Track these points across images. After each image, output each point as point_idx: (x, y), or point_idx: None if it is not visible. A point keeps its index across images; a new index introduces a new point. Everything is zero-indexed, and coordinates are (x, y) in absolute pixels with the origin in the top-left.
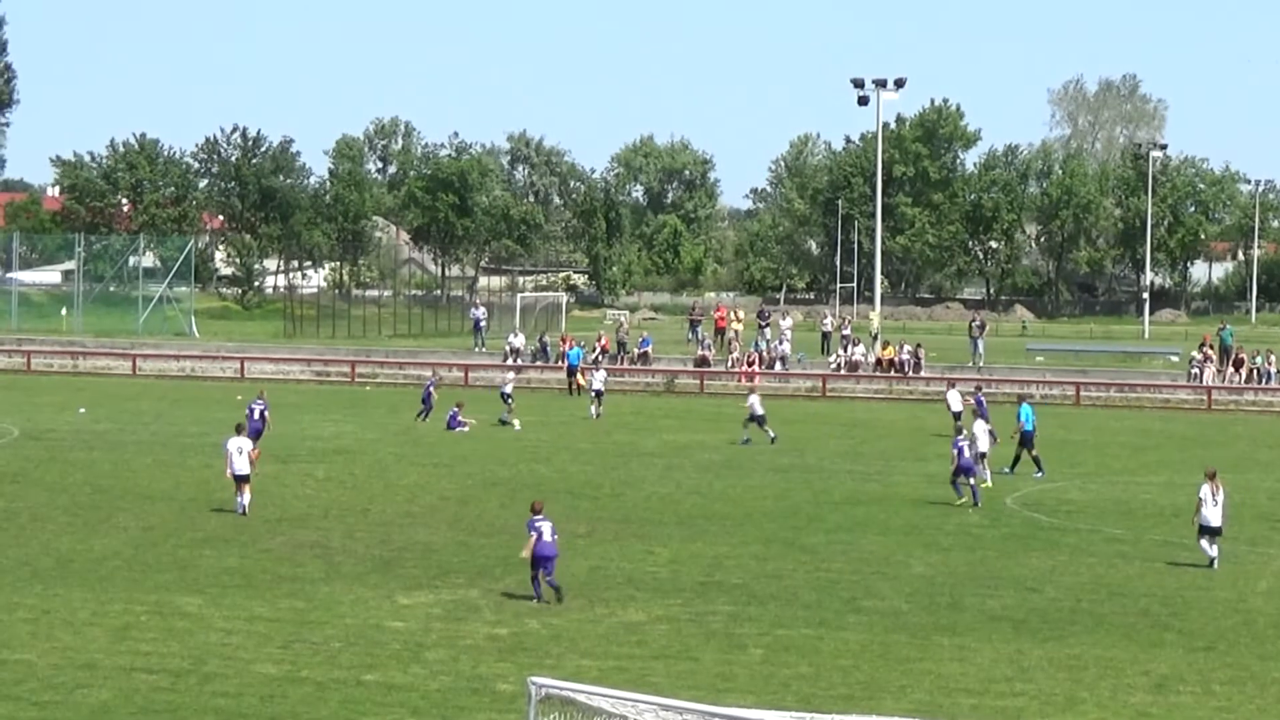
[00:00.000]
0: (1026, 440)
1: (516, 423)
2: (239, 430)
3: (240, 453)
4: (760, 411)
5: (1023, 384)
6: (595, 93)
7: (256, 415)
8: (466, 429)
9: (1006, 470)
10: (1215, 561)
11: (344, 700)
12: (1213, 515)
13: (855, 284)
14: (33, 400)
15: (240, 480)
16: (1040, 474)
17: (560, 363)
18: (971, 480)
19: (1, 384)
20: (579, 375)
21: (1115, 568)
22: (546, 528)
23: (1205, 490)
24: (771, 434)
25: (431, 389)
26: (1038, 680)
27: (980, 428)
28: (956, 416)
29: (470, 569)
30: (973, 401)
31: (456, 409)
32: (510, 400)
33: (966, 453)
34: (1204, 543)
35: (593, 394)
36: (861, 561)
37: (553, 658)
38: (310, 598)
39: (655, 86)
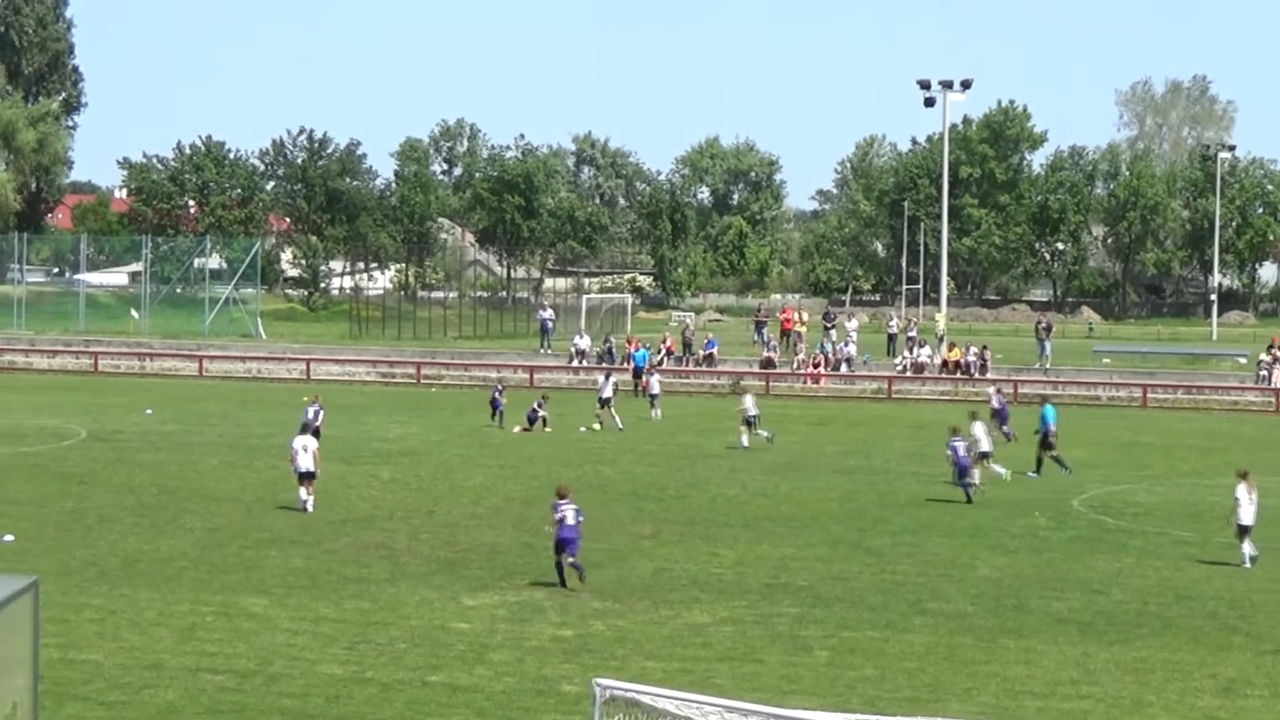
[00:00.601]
0: (1047, 441)
1: (619, 419)
2: (304, 429)
3: (305, 450)
4: (754, 413)
5: (1089, 385)
6: (661, 94)
7: (311, 415)
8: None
9: (1032, 473)
10: (1253, 560)
11: (409, 701)
12: (1248, 515)
13: (921, 286)
14: (100, 401)
15: (305, 478)
16: (1068, 471)
17: (626, 364)
18: (966, 479)
19: (69, 385)
20: (643, 377)
21: (1182, 570)
22: (570, 512)
23: (1241, 490)
24: (766, 433)
25: (498, 394)
26: (1104, 683)
27: (980, 429)
28: (995, 413)
29: (535, 570)
30: (993, 402)
31: (541, 402)
32: (610, 404)
33: (962, 452)
34: (1246, 545)
35: (649, 398)
36: (927, 564)
37: (617, 659)
38: (376, 599)
39: (721, 88)
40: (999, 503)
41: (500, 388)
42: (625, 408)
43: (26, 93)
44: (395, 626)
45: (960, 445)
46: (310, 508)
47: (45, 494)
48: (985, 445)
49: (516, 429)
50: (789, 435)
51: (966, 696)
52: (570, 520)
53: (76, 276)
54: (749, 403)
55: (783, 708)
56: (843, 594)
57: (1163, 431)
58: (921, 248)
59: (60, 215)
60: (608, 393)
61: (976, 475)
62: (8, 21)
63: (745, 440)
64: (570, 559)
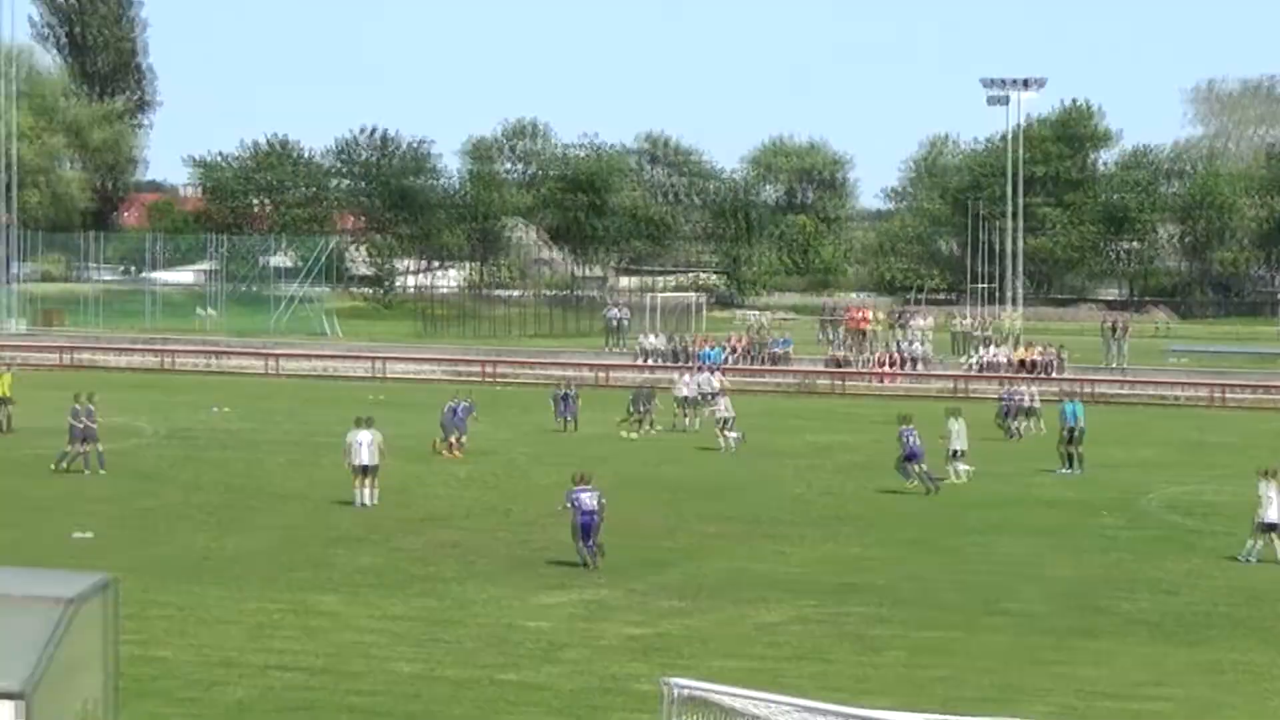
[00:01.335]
0: (1073, 437)
1: (697, 423)
2: (359, 423)
3: (365, 445)
4: (727, 415)
5: (1161, 385)
6: (730, 93)
7: (460, 412)
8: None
9: (1067, 470)
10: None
11: (480, 699)
12: (1273, 513)
13: (992, 285)
14: (171, 399)
15: (364, 472)
16: (1080, 470)
17: (696, 363)
18: (921, 466)
19: (140, 383)
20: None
21: (1255, 571)
22: (586, 497)
23: (1268, 488)
24: (736, 434)
25: (567, 394)
26: (1178, 684)
27: (959, 425)
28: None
29: (607, 569)
30: (1003, 400)
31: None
32: (688, 406)
33: (913, 441)
34: (1258, 542)
35: (677, 400)
36: (1000, 563)
37: (688, 658)
38: (447, 597)
39: (790, 87)
40: (1069, 503)
41: (566, 390)
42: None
43: (98, 92)
44: (467, 625)
45: (911, 434)
46: (370, 502)
47: (117, 492)
48: (959, 444)
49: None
50: (860, 434)
51: (1040, 697)
52: (587, 505)
53: (147, 275)
54: (723, 403)
55: (856, 707)
56: (915, 594)
57: (1234, 431)
58: (992, 247)
59: (131, 214)
60: (685, 392)
61: (962, 468)
62: (79, 21)
63: (723, 443)
64: (588, 542)
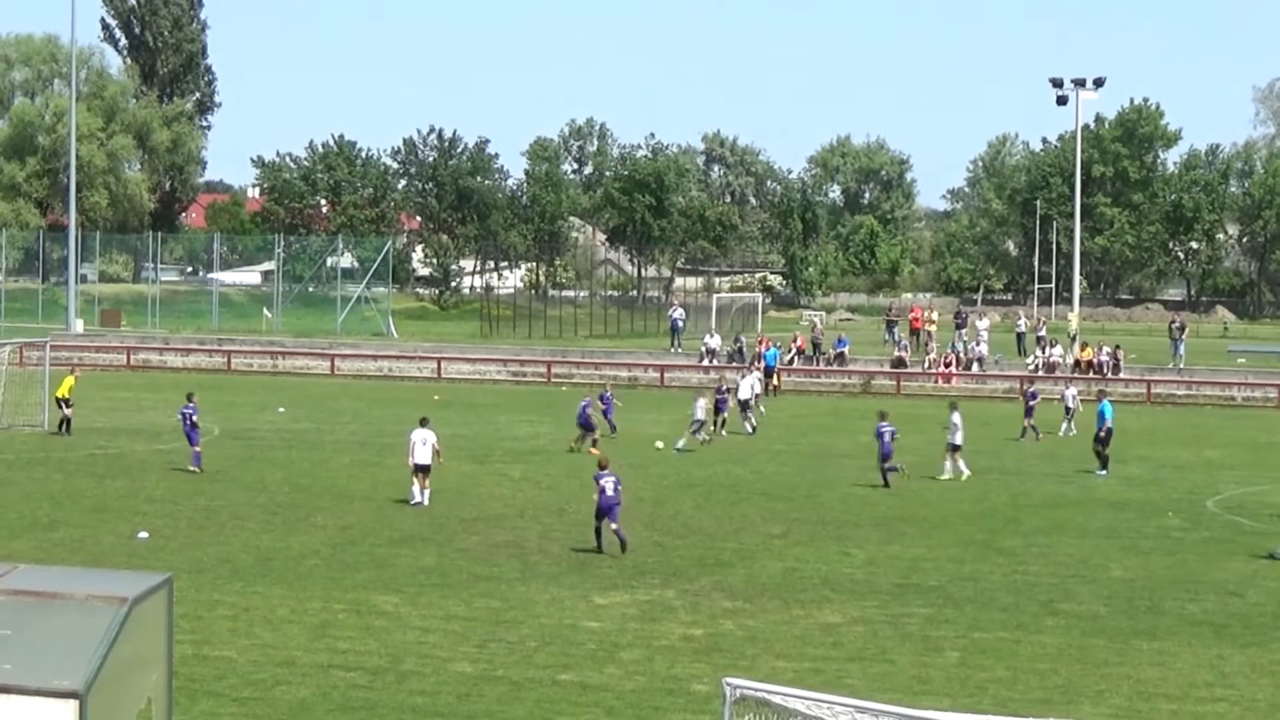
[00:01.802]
0: (1103, 437)
1: (753, 421)
2: (423, 423)
3: (424, 443)
4: (701, 417)
5: (1224, 386)
6: (791, 93)
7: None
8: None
9: (1101, 472)
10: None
11: (539, 699)
12: None
13: (1053, 285)
14: (233, 399)
15: (420, 470)
16: (1105, 472)
17: (756, 364)
18: (887, 464)
19: (203, 383)
20: (774, 376)
21: None
22: (609, 482)
23: None
24: (704, 437)
25: (609, 401)
26: (1239, 686)
27: (958, 419)
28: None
29: (665, 569)
30: (1026, 400)
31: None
32: (750, 408)
33: (888, 438)
34: None
35: (740, 402)
36: (1059, 564)
37: (748, 659)
38: (506, 597)
39: (852, 87)
40: (1132, 504)
41: (601, 393)
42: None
43: (161, 93)
44: (526, 625)
45: (887, 430)
46: (426, 502)
47: (179, 491)
48: (958, 438)
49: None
50: (919, 435)
51: (1099, 699)
52: (610, 490)
53: (210, 275)
54: (700, 405)
55: (914, 708)
56: (974, 594)
57: None
58: (1054, 247)
59: (194, 214)
60: (746, 394)
61: (964, 466)
62: (143, 23)
63: (703, 436)
64: (613, 526)
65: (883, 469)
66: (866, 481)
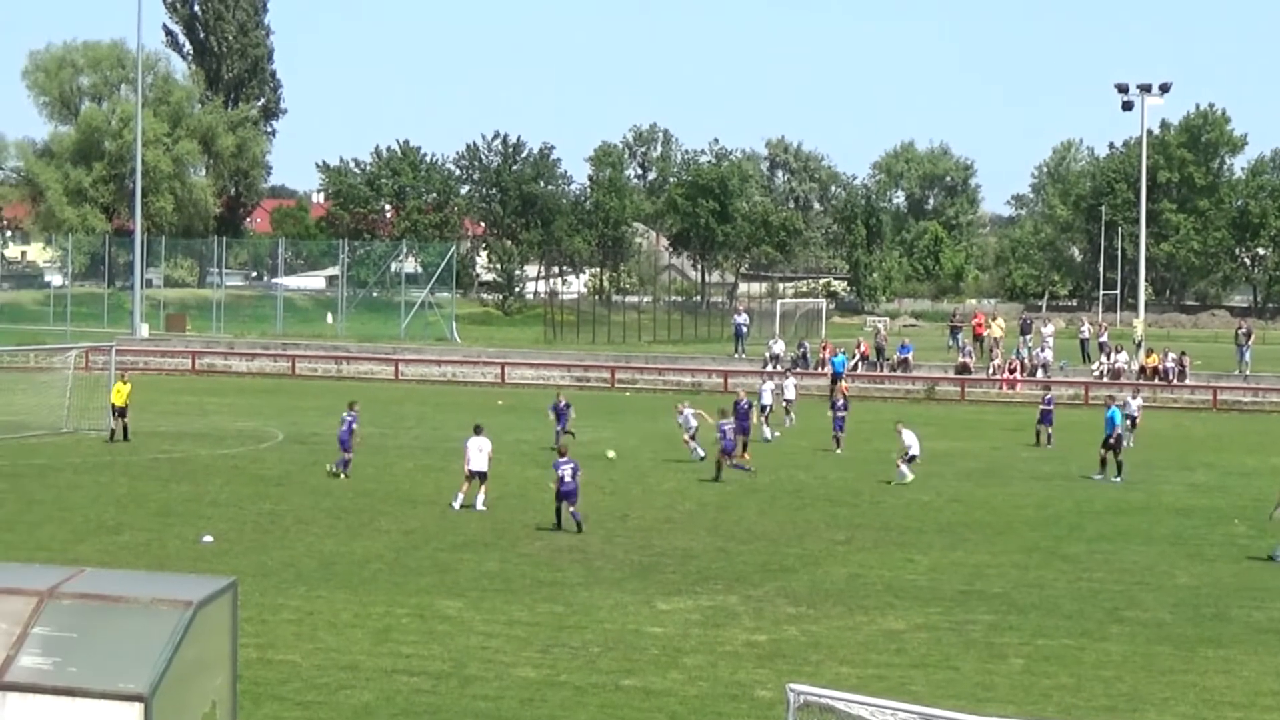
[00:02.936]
0: (1112, 443)
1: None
2: (478, 430)
3: (480, 451)
4: (695, 425)
5: None
6: (855, 98)
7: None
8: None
9: (1115, 477)
10: None
11: (603, 705)
12: None
13: (1119, 291)
14: (297, 404)
15: (476, 477)
16: (1119, 479)
17: (821, 369)
18: (731, 461)
19: (267, 388)
20: (842, 381)
21: None
22: (568, 470)
23: None
24: (700, 451)
25: (685, 414)
26: None
27: (909, 436)
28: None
29: (729, 575)
30: (1042, 405)
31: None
32: (767, 412)
33: (729, 435)
34: None
35: (784, 403)
36: (1124, 571)
37: (811, 664)
38: (569, 602)
39: (916, 92)
40: (1198, 510)
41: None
42: (819, 412)
43: (226, 98)
44: (589, 630)
45: (728, 427)
46: (484, 508)
47: (243, 495)
48: (914, 449)
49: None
50: (984, 440)
51: (1164, 706)
52: (568, 477)
53: (274, 280)
54: (688, 414)
55: (978, 715)
56: (1038, 601)
57: None
58: (1119, 253)
59: (259, 220)
60: (792, 394)
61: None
62: (209, 28)
63: (700, 451)
64: (570, 509)
65: (734, 465)
66: (929, 488)
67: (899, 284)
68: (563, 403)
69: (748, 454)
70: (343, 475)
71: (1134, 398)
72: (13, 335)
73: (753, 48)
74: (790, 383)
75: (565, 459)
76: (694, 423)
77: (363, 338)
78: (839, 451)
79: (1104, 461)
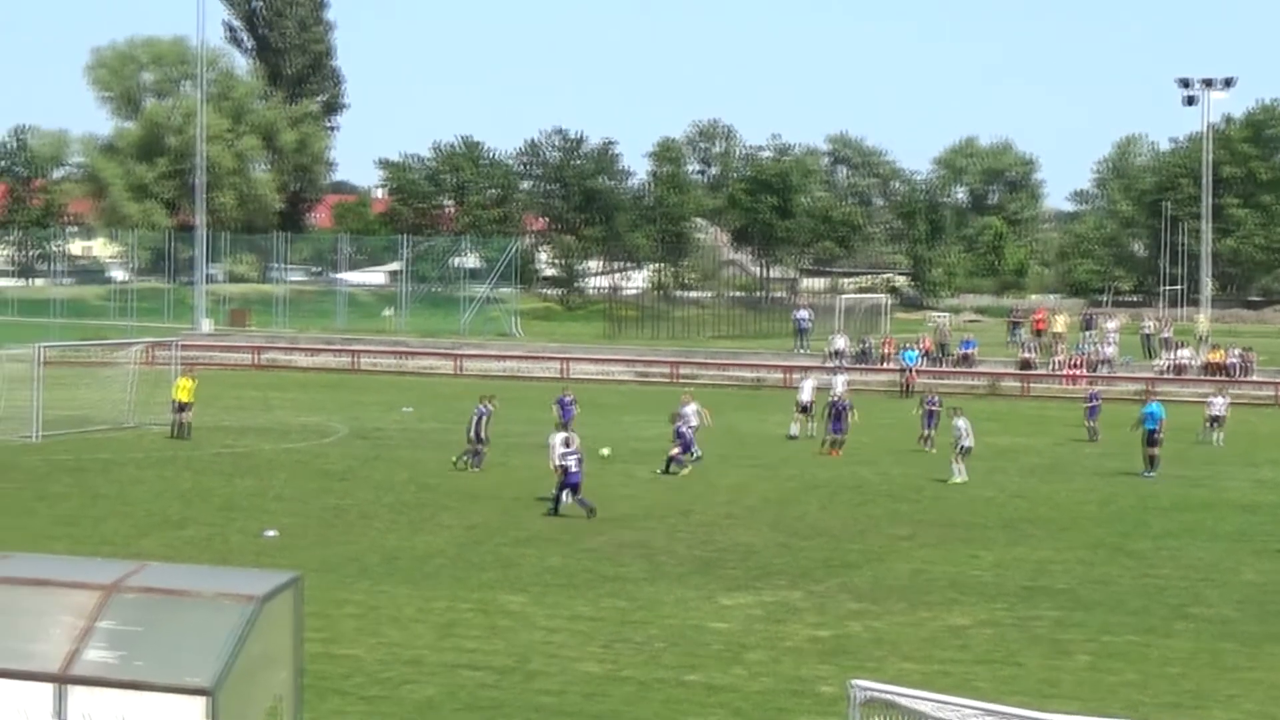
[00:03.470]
0: (1150, 439)
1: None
2: (561, 426)
3: (566, 445)
4: (695, 423)
5: None
6: (917, 94)
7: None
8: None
9: (1149, 473)
10: None
11: (666, 700)
12: None
13: (1182, 286)
14: (359, 399)
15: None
16: (1151, 473)
17: (883, 364)
18: (680, 457)
19: (329, 383)
20: (911, 376)
21: None
22: (573, 460)
23: None
24: (697, 453)
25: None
26: None
27: (964, 425)
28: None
29: (792, 571)
30: (1087, 402)
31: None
32: (810, 410)
33: (686, 433)
34: None
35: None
36: (1189, 568)
37: (874, 660)
38: (632, 597)
39: (978, 87)
40: (1264, 507)
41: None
42: (881, 408)
43: (288, 94)
44: (652, 625)
45: (685, 427)
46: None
47: (307, 490)
48: (966, 440)
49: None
50: (1047, 436)
51: (1230, 703)
52: (574, 468)
53: (336, 275)
54: (689, 410)
55: (1043, 712)
56: (1103, 598)
57: None
58: (1182, 248)
59: (321, 215)
60: (807, 396)
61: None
62: (269, 24)
63: (698, 450)
64: (576, 498)
65: (675, 459)
66: (993, 483)
67: (961, 279)
68: (568, 398)
69: (837, 452)
70: (471, 469)
71: (1219, 395)
72: (76, 330)
73: (815, 43)
74: (841, 379)
75: (572, 450)
76: (694, 420)
77: (424, 333)
78: (933, 450)
79: (1151, 460)
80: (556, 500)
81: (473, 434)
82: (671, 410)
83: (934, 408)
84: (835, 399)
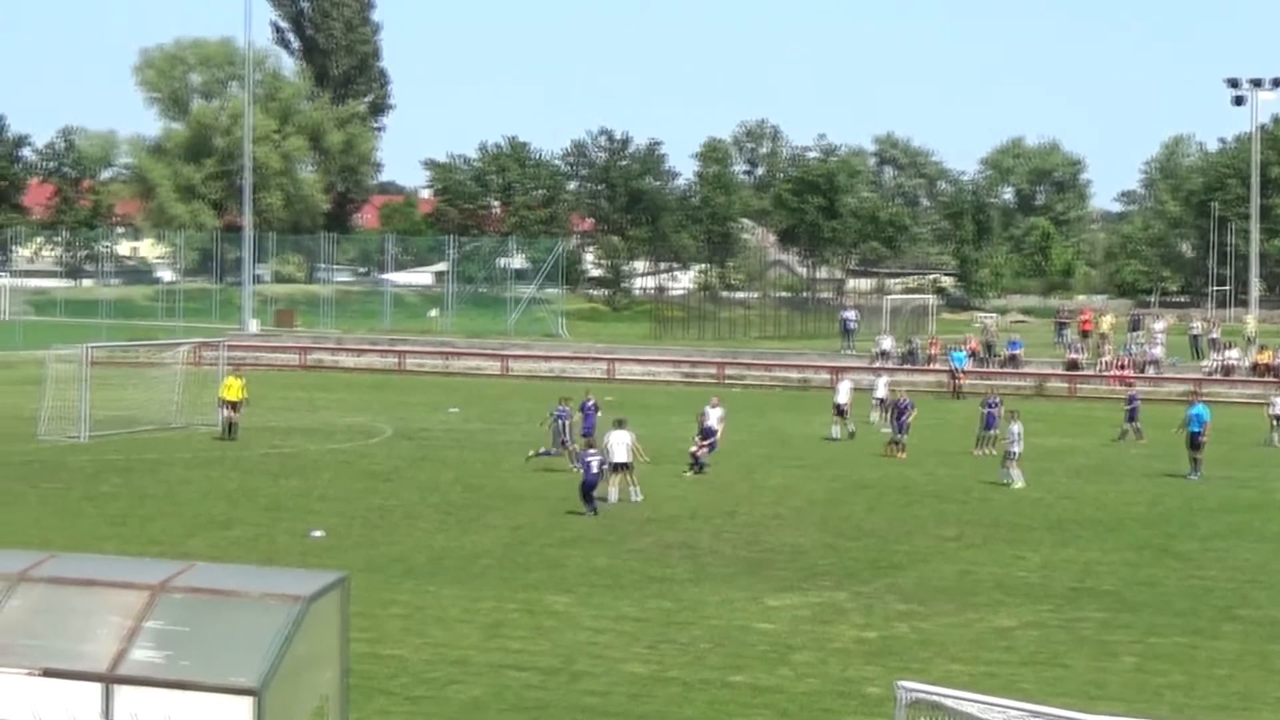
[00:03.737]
0: (1194, 441)
1: (848, 428)
2: (619, 424)
3: (620, 444)
4: (716, 425)
5: None
6: (964, 94)
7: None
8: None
9: (1192, 475)
10: None
11: (711, 701)
12: None
13: (1230, 287)
14: (405, 399)
15: (619, 470)
16: (1195, 475)
17: (931, 365)
18: (702, 456)
19: (376, 383)
20: (960, 377)
21: None
22: (595, 461)
23: None
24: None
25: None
26: None
27: (1018, 429)
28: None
29: (838, 571)
30: (1126, 404)
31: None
32: (845, 412)
33: (595, 468)
34: None
35: (875, 401)
36: (1236, 569)
37: (921, 662)
38: (678, 598)
39: (1025, 87)
40: None
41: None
42: (929, 409)
43: (335, 95)
44: (698, 626)
45: (594, 460)
46: (640, 499)
47: (352, 491)
48: (1016, 447)
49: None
50: (1094, 437)
51: (1278, 706)
52: (595, 468)
53: (383, 276)
54: (712, 414)
55: (1089, 713)
56: (1150, 599)
57: None
58: (1230, 249)
59: (367, 215)
60: (883, 393)
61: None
62: (316, 25)
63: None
64: (588, 500)
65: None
66: (1040, 484)
67: (1008, 280)
68: (590, 402)
69: (903, 453)
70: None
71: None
72: (124, 331)
73: (861, 43)
74: (883, 380)
75: (593, 451)
76: (717, 426)
77: (470, 333)
78: (990, 451)
79: (1195, 462)
80: (588, 500)
81: (561, 439)
82: (698, 410)
83: (994, 410)
84: (898, 399)
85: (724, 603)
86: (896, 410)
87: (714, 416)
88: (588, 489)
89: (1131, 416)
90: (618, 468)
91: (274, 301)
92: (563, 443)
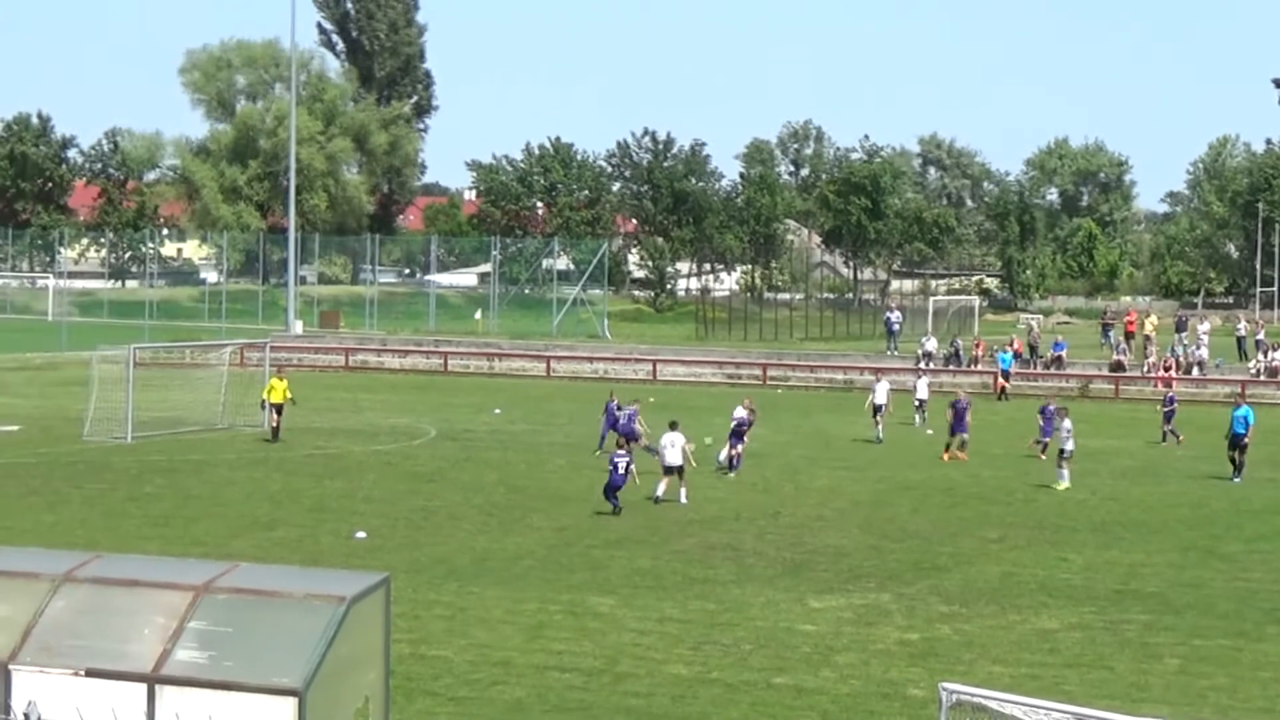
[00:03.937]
0: (1237, 443)
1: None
2: (672, 426)
3: (673, 446)
4: (748, 419)
5: None
6: (1009, 95)
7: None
8: None
9: (1235, 477)
10: None
11: (754, 702)
12: None
13: (1276, 288)
14: (449, 400)
15: (671, 472)
16: (1237, 478)
17: (974, 366)
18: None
19: (420, 384)
20: (1004, 381)
21: None
22: (623, 463)
23: None
24: (720, 461)
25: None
26: None
27: (1068, 427)
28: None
29: (881, 573)
30: (1163, 407)
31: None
32: (881, 412)
33: (622, 469)
34: None
35: (916, 402)
36: None
37: (964, 664)
38: (721, 599)
39: (1070, 88)
40: None
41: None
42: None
43: (379, 96)
44: (741, 627)
45: (622, 460)
46: (685, 501)
47: (396, 492)
48: (1068, 445)
49: None
50: (1139, 438)
51: None
52: (622, 470)
53: (427, 277)
54: (743, 414)
55: (1133, 716)
56: (1194, 601)
57: None
58: (1276, 249)
59: (411, 217)
60: (924, 393)
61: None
62: (361, 26)
63: (722, 455)
64: (612, 499)
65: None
66: (1084, 486)
67: (1052, 281)
68: (615, 402)
69: (964, 453)
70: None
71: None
72: (169, 332)
73: (905, 44)
74: (923, 381)
75: (622, 452)
76: (745, 419)
77: (514, 334)
78: (1044, 457)
79: (1237, 464)
80: (613, 500)
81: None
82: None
83: (1051, 417)
84: (956, 399)
85: (767, 604)
86: (955, 412)
87: (740, 414)
88: (611, 490)
89: (1168, 418)
90: (669, 470)
91: (318, 303)
92: (632, 437)
